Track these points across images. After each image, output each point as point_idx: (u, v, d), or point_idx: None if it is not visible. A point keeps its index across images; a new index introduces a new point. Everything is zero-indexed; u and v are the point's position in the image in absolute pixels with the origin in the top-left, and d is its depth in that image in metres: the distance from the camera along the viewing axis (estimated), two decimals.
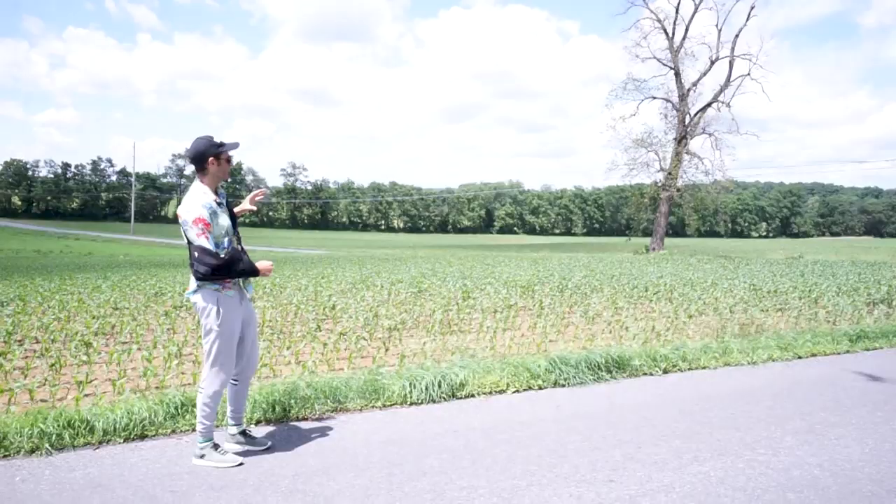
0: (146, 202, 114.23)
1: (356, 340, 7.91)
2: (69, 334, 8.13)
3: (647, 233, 51.76)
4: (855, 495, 3.47)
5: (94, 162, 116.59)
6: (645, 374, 6.13)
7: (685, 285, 15.19)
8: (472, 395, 5.43)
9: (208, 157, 3.94)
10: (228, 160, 4.01)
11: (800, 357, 6.93)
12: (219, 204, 3.97)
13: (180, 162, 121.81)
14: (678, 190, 42.52)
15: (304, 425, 4.73)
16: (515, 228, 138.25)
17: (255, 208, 4.38)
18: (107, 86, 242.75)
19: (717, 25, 41.88)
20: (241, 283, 4.08)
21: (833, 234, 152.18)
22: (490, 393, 5.50)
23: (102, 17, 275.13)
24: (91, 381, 5.96)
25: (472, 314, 10.19)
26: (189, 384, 5.92)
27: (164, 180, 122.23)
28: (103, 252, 46.18)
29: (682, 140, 41.77)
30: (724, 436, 4.43)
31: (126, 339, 7.87)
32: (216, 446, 4.03)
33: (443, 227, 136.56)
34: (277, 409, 4.83)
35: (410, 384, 5.28)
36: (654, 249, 41.07)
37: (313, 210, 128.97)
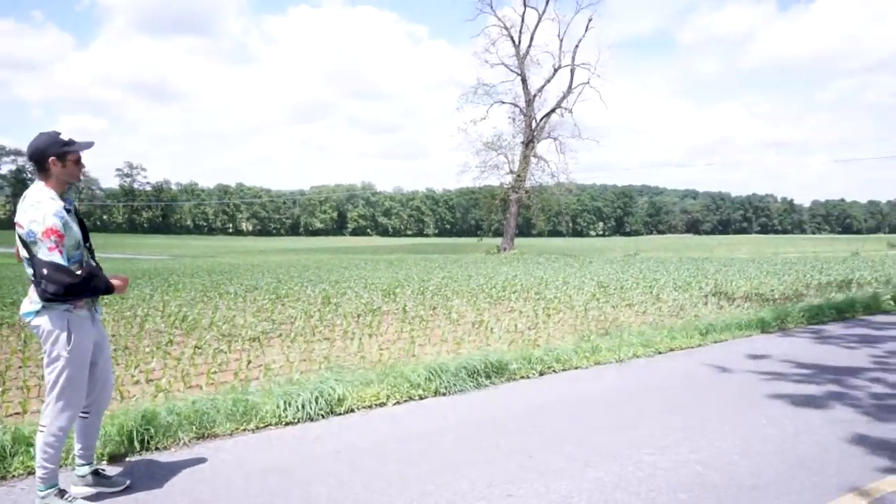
0: None
1: (214, 354, 7.32)
2: None
3: (497, 233, 53.44)
4: (741, 490, 3.59)
5: None
6: (522, 377, 6.13)
7: (539, 284, 15.73)
8: (352, 410, 5.12)
9: (48, 156, 3.36)
10: (77, 161, 3.43)
11: (660, 352, 7.28)
12: (68, 211, 3.39)
13: None
14: (526, 192, 44.30)
15: (167, 457, 4.19)
16: (368, 230, 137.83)
17: None
18: None
19: (558, 35, 44.10)
20: (92, 301, 3.53)
21: (660, 232, 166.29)
22: (370, 406, 5.22)
23: None
24: None
25: (335, 320, 9.83)
26: (15, 414, 5.14)
27: None
28: None
29: (529, 143, 43.54)
30: (610, 438, 4.48)
31: None
32: (62, 492, 3.44)
33: (294, 230, 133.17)
34: (133, 440, 4.25)
35: (285, 402, 4.88)
36: (505, 249, 42.46)
37: (153, 213, 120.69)
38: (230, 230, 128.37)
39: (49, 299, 3.30)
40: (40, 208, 3.29)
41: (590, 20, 42.89)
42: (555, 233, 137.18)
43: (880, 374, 6.35)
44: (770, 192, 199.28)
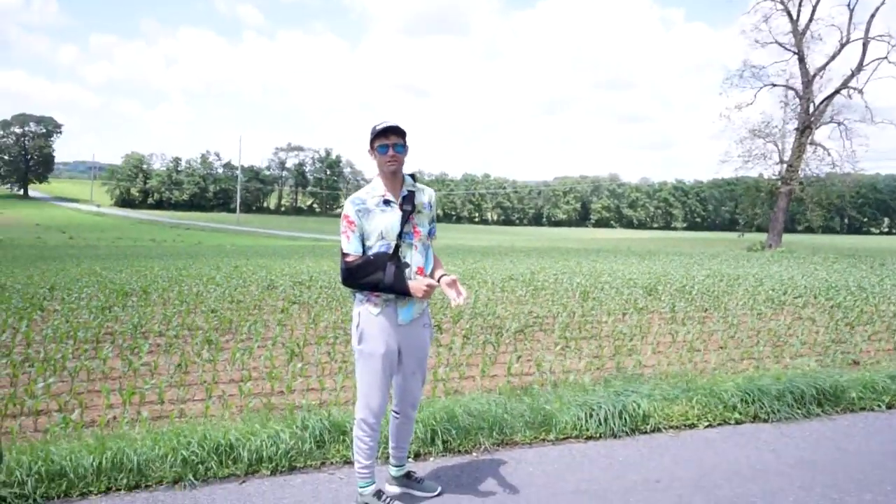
0: (250, 194, 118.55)
1: (483, 345, 7.20)
2: (191, 329, 7.86)
3: (760, 228, 48.58)
4: None
5: (202, 155, 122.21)
6: (863, 408, 5.04)
7: (828, 289, 13.60)
8: (658, 430, 4.55)
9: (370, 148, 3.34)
10: (386, 151, 3.23)
11: None
12: (387, 202, 3.27)
13: (282, 155, 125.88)
14: (801, 183, 39.52)
15: (470, 461, 4.00)
16: (612, 222, 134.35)
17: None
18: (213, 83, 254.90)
19: (848, 5, 38.39)
20: (397, 302, 3.25)
21: None
22: (678, 427, 4.61)
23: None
24: (216, 383, 5.55)
25: (600, 316, 9.30)
26: (313, 390, 5.39)
27: (267, 173, 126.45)
28: (211, 242, 47.86)
29: (805, 130, 38.67)
30: None
31: (244, 337, 7.49)
32: (379, 493, 3.36)
33: (537, 220, 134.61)
34: (436, 439, 4.13)
35: (587, 414, 4.46)
36: (770, 246, 38.32)
37: None
38: (476, 219, 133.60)
39: (344, 285, 3.26)
40: (350, 197, 3.31)
41: None
42: (828, 229, 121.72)
43: None
44: None
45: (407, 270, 3.22)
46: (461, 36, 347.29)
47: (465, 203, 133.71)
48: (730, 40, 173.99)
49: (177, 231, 63.92)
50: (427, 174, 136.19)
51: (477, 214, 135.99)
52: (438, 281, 3.30)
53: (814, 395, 4.91)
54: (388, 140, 3.22)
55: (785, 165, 39.66)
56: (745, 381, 5.06)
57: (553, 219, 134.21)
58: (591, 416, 4.46)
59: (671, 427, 4.59)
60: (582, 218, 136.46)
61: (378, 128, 3.23)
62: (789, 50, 39.50)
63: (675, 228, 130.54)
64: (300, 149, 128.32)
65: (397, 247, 3.23)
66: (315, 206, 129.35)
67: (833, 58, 38.78)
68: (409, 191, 3.33)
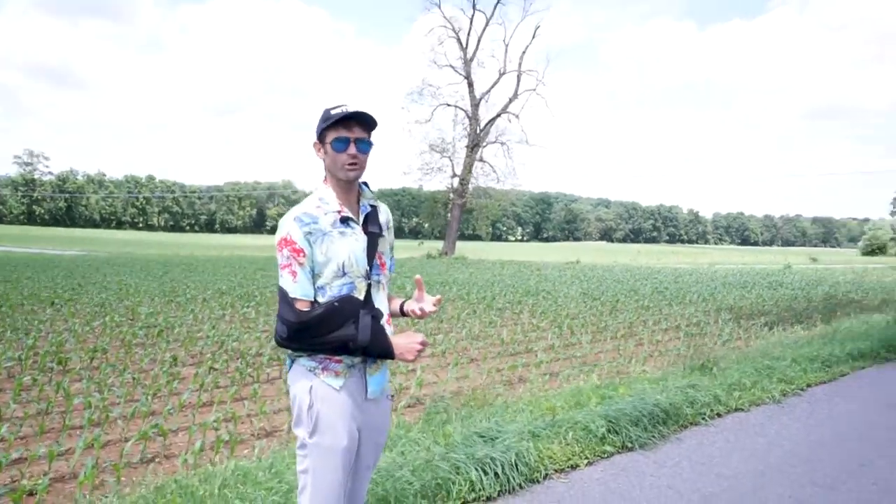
0: None
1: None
2: None
3: (435, 236, 52.64)
4: None
5: None
6: (692, 423, 5.27)
7: (524, 293, 15.01)
8: (548, 476, 4.11)
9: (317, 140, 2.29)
10: (342, 142, 2.23)
11: (801, 389, 6.55)
12: (345, 220, 2.27)
13: None
14: (470, 195, 43.74)
15: None
16: None
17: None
18: None
19: (504, 40, 43.77)
20: (366, 368, 2.30)
21: (575, 239, 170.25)
22: (563, 470, 4.23)
23: None
24: None
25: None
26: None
27: None
28: None
29: (474, 147, 42.97)
30: None
31: None
32: None
33: (210, 226, 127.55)
34: None
35: (482, 470, 3.81)
36: (446, 254, 41.69)
37: (55, 204, 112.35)
38: (140, 224, 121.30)
39: (281, 346, 2.22)
40: (288, 213, 2.24)
41: (537, 27, 42.76)
42: (473, 237, 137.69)
43: None
44: (675, 204, 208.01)
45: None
46: (118, 23, 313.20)
47: (128, 207, 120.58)
48: (402, 58, 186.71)
49: None
50: (81, 174, 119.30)
51: (141, 219, 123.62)
52: (409, 312, 2.41)
53: (657, 413, 4.98)
54: (351, 132, 2.22)
55: (458, 179, 43.61)
56: (606, 408, 4.94)
57: (227, 225, 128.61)
58: (485, 472, 3.84)
59: (557, 471, 4.20)
60: (257, 224, 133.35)
61: (334, 112, 2.21)
62: (460, 73, 43.59)
63: None
64: None
65: (369, 286, 2.26)
66: None
67: (494, 85, 43.86)
68: (370, 205, 2.36)
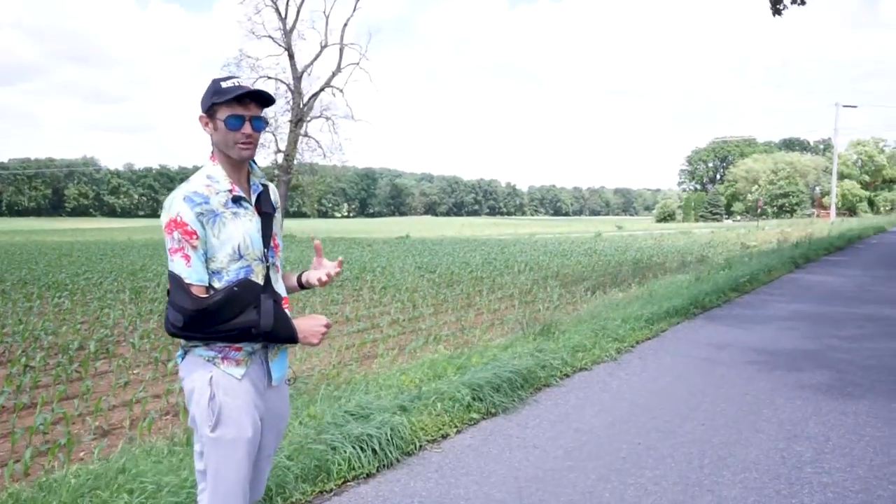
0: None
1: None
2: None
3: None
4: None
5: None
6: (544, 385, 5.59)
7: (362, 270, 15.09)
8: (422, 448, 4.18)
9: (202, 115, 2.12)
10: (236, 119, 2.07)
11: (632, 346, 7.12)
12: (237, 200, 2.12)
13: None
14: (295, 172, 42.60)
15: None
16: (92, 210, 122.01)
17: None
18: None
19: (324, 12, 42.80)
20: (267, 354, 2.21)
21: (401, 214, 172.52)
22: (434, 440, 4.32)
23: None
24: None
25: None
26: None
27: None
28: None
29: (299, 122, 41.81)
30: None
31: None
32: None
33: None
34: None
35: (359, 448, 3.79)
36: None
37: None
38: None
39: (174, 335, 2.06)
40: (175, 192, 2.08)
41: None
42: (299, 214, 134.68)
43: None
44: (494, 178, 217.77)
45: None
46: None
47: None
48: (212, 26, 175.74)
49: None
50: None
51: None
52: (307, 282, 2.36)
53: (516, 378, 5.23)
54: (247, 110, 2.07)
55: (282, 155, 42.23)
56: (466, 373, 5.10)
57: (17, 207, 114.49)
58: (364, 449, 3.82)
59: (429, 441, 4.28)
60: (54, 206, 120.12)
61: (226, 86, 2.05)
62: (280, 45, 42.01)
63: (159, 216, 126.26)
64: None
65: (267, 269, 2.16)
66: None
67: (316, 58, 42.83)
68: (262, 185, 2.23)
